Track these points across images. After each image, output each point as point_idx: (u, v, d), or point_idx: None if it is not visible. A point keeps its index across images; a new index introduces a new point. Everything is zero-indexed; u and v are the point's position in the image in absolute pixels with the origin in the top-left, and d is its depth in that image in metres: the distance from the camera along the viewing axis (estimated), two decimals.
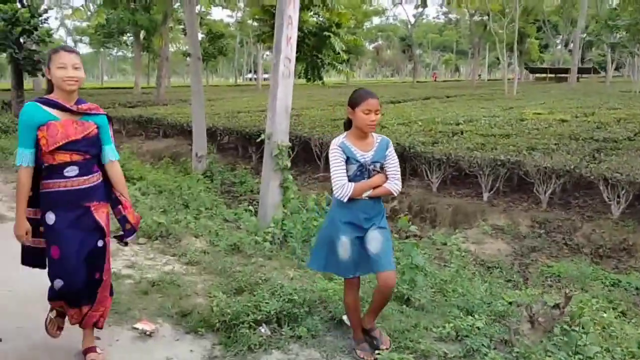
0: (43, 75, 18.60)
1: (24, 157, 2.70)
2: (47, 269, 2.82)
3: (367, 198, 2.97)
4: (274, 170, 5.90)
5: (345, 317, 3.42)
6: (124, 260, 4.66)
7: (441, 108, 16.79)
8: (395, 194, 3.14)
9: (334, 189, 2.98)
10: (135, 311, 3.54)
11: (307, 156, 10.78)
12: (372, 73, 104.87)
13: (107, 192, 2.92)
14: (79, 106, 2.78)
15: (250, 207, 6.76)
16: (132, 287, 3.98)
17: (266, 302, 3.58)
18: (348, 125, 3.09)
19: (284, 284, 3.96)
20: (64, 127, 2.69)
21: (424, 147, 8.58)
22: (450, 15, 76.66)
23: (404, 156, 8.32)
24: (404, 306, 3.80)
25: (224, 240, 5.22)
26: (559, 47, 62.59)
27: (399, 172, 3.08)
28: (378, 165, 3.01)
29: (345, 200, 2.94)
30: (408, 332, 3.30)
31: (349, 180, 2.95)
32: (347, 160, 2.97)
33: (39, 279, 2.97)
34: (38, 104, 2.70)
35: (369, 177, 2.98)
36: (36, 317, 3.08)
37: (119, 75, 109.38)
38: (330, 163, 3.01)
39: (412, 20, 61.06)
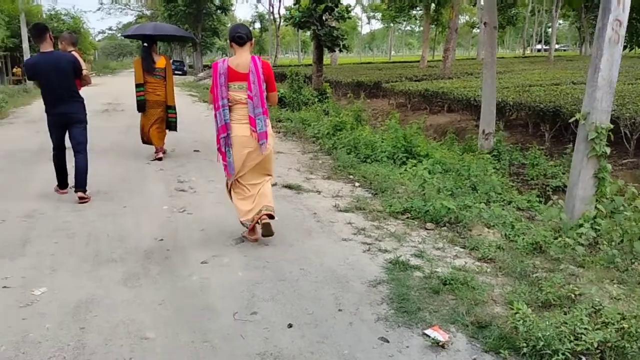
0: (341, 50, 20.02)
1: None
2: None
3: None
4: (587, 156, 4.89)
5: None
6: (412, 247, 4.35)
7: None
8: None
9: None
10: (425, 313, 3.16)
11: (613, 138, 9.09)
12: None
13: None
14: None
15: (545, 197, 5.84)
16: (421, 282, 3.61)
17: (585, 328, 2.84)
18: None
19: (605, 304, 3.13)
20: None
21: None
22: None
23: None
24: None
25: (521, 235, 4.51)
26: None
27: None
28: None
29: None
30: None
31: None
32: None
33: None
34: None
35: None
36: None
37: (406, 49, 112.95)
38: None
39: None
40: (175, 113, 8.28)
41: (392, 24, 63.47)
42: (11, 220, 5.10)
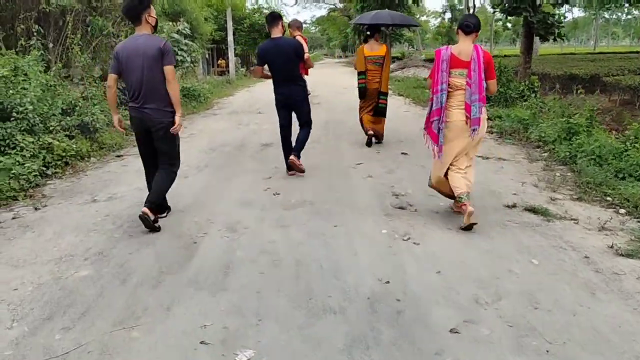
0: (555, 39, 17.55)
1: None
2: None
3: None
4: None
5: None
6: None
7: None
8: None
9: None
10: None
11: None
12: None
13: None
14: None
15: None
16: None
17: None
18: None
19: None
20: None
21: None
22: None
23: None
24: None
25: None
26: None
27: None
28: None
29: None
30: None
31: None
32: None
33: None
34: None
35: None
36: None
37: (609, 39, 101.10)
38: None
39: None
40: (386, 99, 8.23)
41: (600, 11, 56.50)
42: (213, 235, 4.48)
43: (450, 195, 4.81)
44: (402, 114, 12.00)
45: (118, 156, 8.07)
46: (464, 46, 4.47)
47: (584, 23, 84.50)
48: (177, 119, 4.52)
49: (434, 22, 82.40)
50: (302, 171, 6.41)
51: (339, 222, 4.73)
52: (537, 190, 5.81)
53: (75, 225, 4.81)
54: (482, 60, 4.41)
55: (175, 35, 15.28)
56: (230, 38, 25.57)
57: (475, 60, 4.39)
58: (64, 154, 7.11)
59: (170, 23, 15.88)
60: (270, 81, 6.35)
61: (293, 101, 6.26)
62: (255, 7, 31.70)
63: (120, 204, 5.43)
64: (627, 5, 48.51)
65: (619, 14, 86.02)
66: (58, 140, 7.16)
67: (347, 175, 6.50)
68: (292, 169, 6.44)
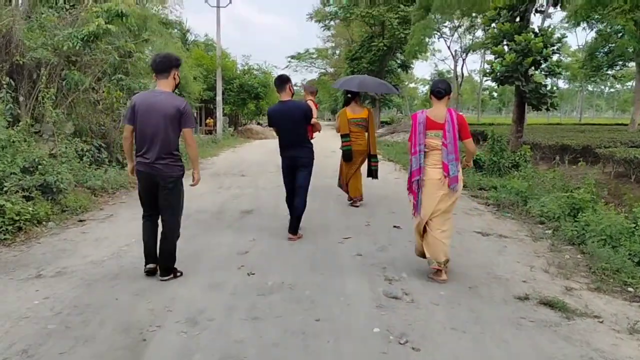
0: (547, 109, 17.37)
1: None
2: None
3: None
4: None
5: None
6: None
7: None
8: None
9: None
10: None
11: None
12: None
13: None
14: None
15: None
16: None
17: None
18: None
19: None
20: None
21: None
22: None
23: None
24: None
25: None
26: None
27: None
28: None
29: None
30: None
31: None
32: None
33: None
34: None
35: None
36: None
37: (593, 111, 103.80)
38: None
39: None
40: (377, 162, 8.33)
41: (585, 83, 57.95)
42: (168, 329, 3.68)
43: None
44: (393, 181, 11.43)
45: (80, 221, 7.30)
46: (437, 110, 4.77)
47: (568, 95, 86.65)
48: (195, 175, 4.88)
49: (423, 89, 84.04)
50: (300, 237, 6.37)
51: (322, 315, 3.97)
52: (549, 276, 5.12)
53: (6, 310, 3.99)
54: (456, 121, 4.70)
55: None
56: (219, 98, 25.34)
57: (449, 122, 4.69)
58: (17, 217, 6.34)
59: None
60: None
61: (299, 163, 6.15)
62: (246, 68, 31.80)
63: (67, 283, 4.62)
64: (611, 78, 49.63)
65: (602, 87, 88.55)
66: (12, 202, 6.40)
67: (333, 252, 5.77)
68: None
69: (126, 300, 4.22)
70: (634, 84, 35.19)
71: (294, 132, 6.04)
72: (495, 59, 16.61)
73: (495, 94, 79.79)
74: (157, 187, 4.62)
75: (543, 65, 15.94)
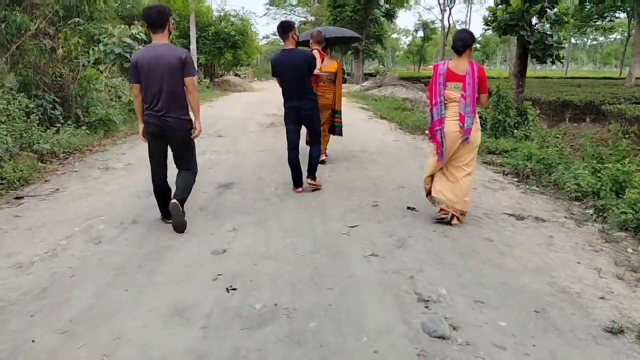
0: (553, 62, 15.98)
1: None
2: None
3: None
4: None
5: None
6: None
7: None
8: None
9: None
10: None
11: None
12: None
13: None
14: None
15: None
16: None
17: None
18: None
19: None
20: None
21: None
22: None
23: None
24: None
25: None
26: None
27: None
28: None
29: None
30: None
31: None
32: None
33: None
34: None
35: None
36: None
37: (573, 63, 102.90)
38: None
39: None
40: (341, 118, 7.95)
41: (570, 35, 56.54)
42: None
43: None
44: (393, 145, 10.03)
45: (17, 198, 5.84)
46: (459, 62, 4.77)
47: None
48: (197, 125, 4.77)
49: (405, 39, 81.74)
50: (319, 188, 6.31)
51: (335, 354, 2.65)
52: (627, 286, 3.86)
53: None
54: (477, 75, 4.73)
55: (128, 40, 13.06)
56: (192, 46, 23.34)
57: (470, 74, 4.71)
58: None
59: (123, 26, 13.63)
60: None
61: (304, 115, 5.95)
62: (222, 14, 29.52)
63: None
64: (599, 29, 48.27)
65: (585, 39, 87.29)
66: None
67: (338, 249, 4.40)
68: (301, 186, 6.25)
69: (46, 344, 2.84)
70: (617, 36, 33.96)
71: (297, 82, 5.80)
72: (498, 5, 15.05)
73: (478, 46, 77.91)
74: (168, 141, 4.70)
75: (550, 13, 14.46)
